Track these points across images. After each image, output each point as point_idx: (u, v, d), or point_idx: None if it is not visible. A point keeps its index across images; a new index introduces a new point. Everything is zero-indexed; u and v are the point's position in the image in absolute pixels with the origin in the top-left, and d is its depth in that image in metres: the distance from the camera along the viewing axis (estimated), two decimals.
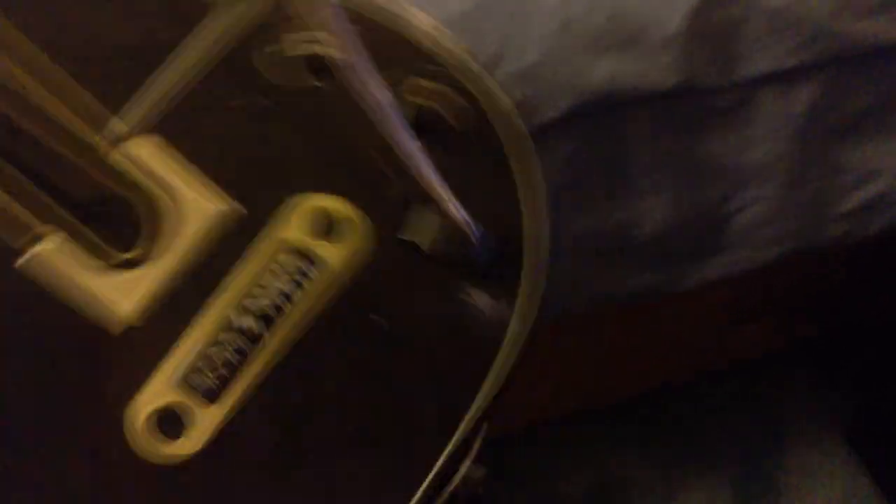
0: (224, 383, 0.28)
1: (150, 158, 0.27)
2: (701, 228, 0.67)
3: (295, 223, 0.30)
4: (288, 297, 0.29)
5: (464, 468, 0.30)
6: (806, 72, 0.63)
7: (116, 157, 0.27)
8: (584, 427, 0.86)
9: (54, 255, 0.26)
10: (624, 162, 0.63)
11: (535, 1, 0.59)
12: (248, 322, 0.29)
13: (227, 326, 0.29)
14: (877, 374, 0.87)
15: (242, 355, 0.29)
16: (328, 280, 0.30)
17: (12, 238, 0.26)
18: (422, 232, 0.30)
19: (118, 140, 0.27)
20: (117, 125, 0.27)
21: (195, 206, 0.27)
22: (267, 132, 0.30)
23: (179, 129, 0.28)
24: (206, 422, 0.27)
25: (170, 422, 0.28)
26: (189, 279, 0.28)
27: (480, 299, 0.31)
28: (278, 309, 0.29)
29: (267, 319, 0.29)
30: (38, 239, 0.26)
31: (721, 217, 0.67)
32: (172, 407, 0.27)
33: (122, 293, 0.26)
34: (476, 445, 0.31)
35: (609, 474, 0.85)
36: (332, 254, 0.30)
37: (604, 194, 0.64)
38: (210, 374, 0.28)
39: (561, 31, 0.59)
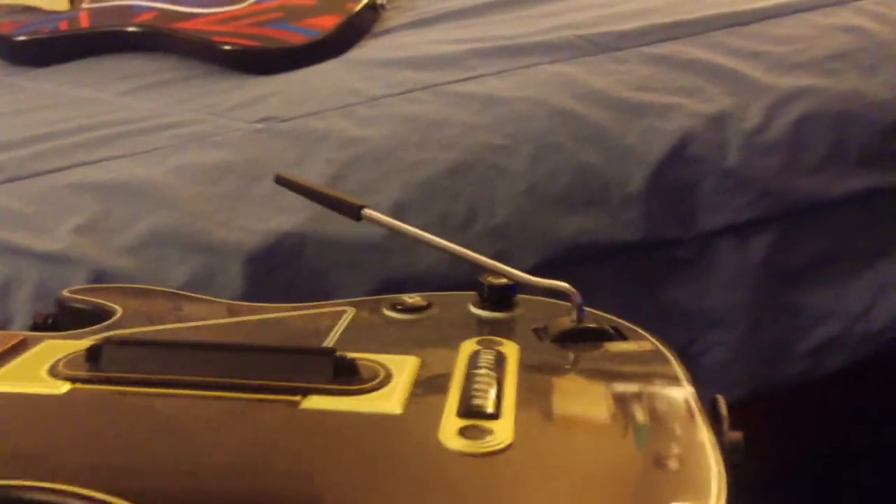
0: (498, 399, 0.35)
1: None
2: None
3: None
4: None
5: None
6: (759, 225, 0.68)
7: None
8: None
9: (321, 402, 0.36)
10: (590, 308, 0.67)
11: (503, 166, 0.64)
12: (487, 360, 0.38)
13: (474, 365, 0.38)
14: None
15: (499, 371, 0.37)
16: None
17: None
18: None
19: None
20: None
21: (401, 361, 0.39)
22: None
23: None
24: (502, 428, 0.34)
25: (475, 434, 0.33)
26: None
27: None
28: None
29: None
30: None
31: (685, 361, 0.69)
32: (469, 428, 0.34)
33: (385, 400, 0.36)
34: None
35: None
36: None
37: None
38: (484, 399, 0.35)
39: (530, 191, 0.64)
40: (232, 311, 0.48)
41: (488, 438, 0.32)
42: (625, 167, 0.65)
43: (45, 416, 0.36)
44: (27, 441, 0.34)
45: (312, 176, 0.62)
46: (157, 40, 0.84)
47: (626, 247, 0.66)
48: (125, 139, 0.66)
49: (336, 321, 0.44)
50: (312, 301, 0.59)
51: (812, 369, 0.73)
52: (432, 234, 0.62)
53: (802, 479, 0.89)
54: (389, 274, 0.59)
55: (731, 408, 0.73)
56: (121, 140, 0.66)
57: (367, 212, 0.46)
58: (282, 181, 0.50)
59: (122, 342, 0.39)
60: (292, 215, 0.57)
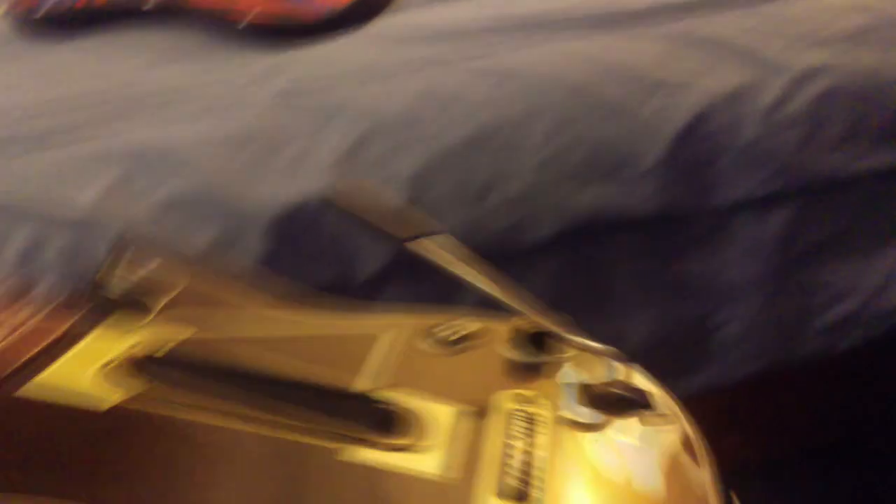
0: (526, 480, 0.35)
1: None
2: (680, 346, 0.70)
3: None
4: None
5: None
6: (778, 199, 0.68)
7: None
8: None
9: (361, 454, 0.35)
10: (606, 283, 0.67)
11: (521, 136, 0.64)
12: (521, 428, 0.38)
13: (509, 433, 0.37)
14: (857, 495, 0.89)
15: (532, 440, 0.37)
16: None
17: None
18: None
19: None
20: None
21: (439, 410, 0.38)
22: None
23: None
24: None
25: None
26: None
27: None
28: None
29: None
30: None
31: (700, 335, 0.70)
32: None
33: (423, 461, 0.35)
34: None
35: None
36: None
37: (586, 313, 0.68)
38: (514, 477, 0.35)
39: (546, 164, 0.64)
40: (280, 309, 0.47)
41: None
42: (641, 142, 0.66)
43: (87, 433, 0.36)
44: (66, 459, 0.34)
45: (330, 147, 0.62)
46: (174, 16, 0.84)
47: (642, 220, 0.66)
48: (146, 110, 0.67)
49: (374, 345, 0.43)
50: (333, 266, 0.60)
51: (827, 346, 0.73)
52: (447, 206, 0.63)
53: (813, 460, 0.90)
54: None
55: (743, 384, 0.73)
56: (142, 111, 0.67)
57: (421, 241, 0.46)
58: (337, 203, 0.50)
59: (174, 361, 0.39)
60: (313, 182, 0.58)
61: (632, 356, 0.67)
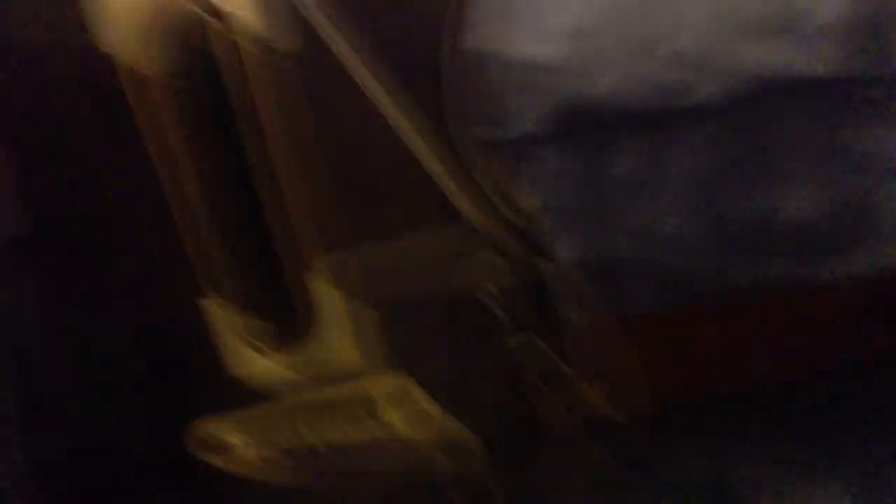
0: None
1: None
2: (843, 221, 0.66)
3: None
4: None
5: None
6: None
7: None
8: (706, 417, 0.86)
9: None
10: (770, 149, 0.64)
11: None
12: None
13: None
14: None
15: None
16: None
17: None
18: None
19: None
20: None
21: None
22: None
23: None
24: None
25: None
26: None
27: None
28: None
29: None
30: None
31: (865, 210, 0.66)
32: None
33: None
34: None
35: (726, 467, 0.85)
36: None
37: (747, 180, 0.65)
38: None
39: (717, 17, 0.60)
40: None
41: None
42: None
43: None
44: None
45: None
46: None
47: (814, 83, 0.62)
48: None
49: None
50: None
51: None
52: (612, 58, 0.61)
53: None
54: (565, 96, 0.58)
55: None
56: None
57: None
58: None
59: None
60: None
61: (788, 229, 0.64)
